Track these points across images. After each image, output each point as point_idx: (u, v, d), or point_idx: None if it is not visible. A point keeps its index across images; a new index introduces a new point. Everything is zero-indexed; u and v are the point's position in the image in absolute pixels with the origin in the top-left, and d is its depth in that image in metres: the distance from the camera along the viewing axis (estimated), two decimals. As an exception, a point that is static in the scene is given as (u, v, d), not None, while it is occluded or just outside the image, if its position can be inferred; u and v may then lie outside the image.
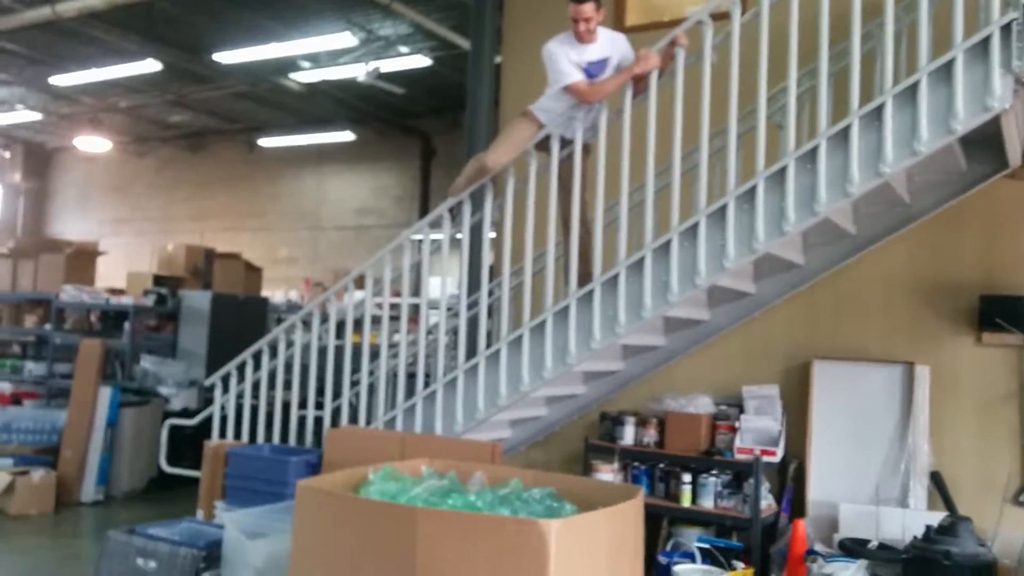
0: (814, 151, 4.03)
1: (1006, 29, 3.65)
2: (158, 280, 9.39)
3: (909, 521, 4.67)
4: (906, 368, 5.13)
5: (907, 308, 5.27)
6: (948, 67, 3.76)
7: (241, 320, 8.71)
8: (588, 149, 4.86)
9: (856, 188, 3.94)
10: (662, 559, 4.84)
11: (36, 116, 16.00)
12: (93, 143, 16.16)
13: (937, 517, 4.50)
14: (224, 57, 11.78)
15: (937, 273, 5.20)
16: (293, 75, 12.71)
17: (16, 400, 8.68)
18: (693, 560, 4.73)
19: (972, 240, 5.13)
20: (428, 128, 15.00)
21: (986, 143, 4.40)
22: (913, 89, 3.83)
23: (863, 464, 5.11)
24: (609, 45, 4.67)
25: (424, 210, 14.17)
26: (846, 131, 3.96)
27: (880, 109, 3.89)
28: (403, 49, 11.54)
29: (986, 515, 4.64)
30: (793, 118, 4.17)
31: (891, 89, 3.88)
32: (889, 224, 5.09)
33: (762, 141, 4.18)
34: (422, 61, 11.68)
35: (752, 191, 4.16)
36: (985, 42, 3.70)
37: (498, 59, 6.90)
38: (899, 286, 5.30)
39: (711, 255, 4.26)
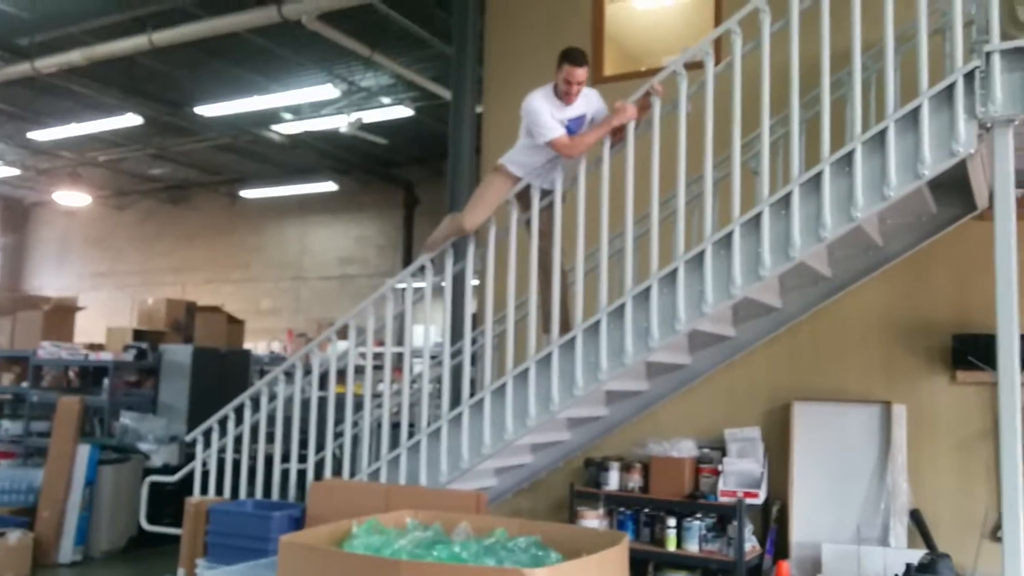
0: (788, 197, 4.12)
1: (969, 77, 3.78)
2: (138, 335, 9.33)
3: (890, 560, 4.70)
4: (884, 408, 5.19)
5: (883, 348, 5.34)
6: (915, 114, 3.88)
7: (223, 373, 8.65)
8: (565, 197, 4.93)
9: (829, 232, 4.02)
10: (650, 606, 4.81)
11: (14, 172, 15.99)
12: (72, 198, 16.13)
13: (917, 555, 4.52)
14: (206, 110, 11.87)
15: (911, 313, 5.29)
16: (275, 127, 12.82)
17: (-8, 459, 8.54)
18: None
19: (944, 280, 5.23)
20: (411, 177, 15.12)
21: (954, 186, 4.52)
22: (882, 135, 3.94)
23: (844, 503, 5.13)
24: (584, 102, 4.78)
25: (407, 259, 14.22)
26: (818, 177, 4.06)
27: (851, 155, 3.99)
28: (385, 100, 11.69)
29: (965, 551, 4.69)
30: (767, 164, 4.26)
31: (860, 136, 3.99)
32: (863, 266, 5.18)
33: (737, 188, 4.27)
34: (404, 111, 11.82)
35: (729, 237, 4.23)
36: (950, 89, 3.82)
37: (479, 108, 7.02)
38: (875, 327, 5.38)
39: (690, 300, 4.31)
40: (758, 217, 4.17)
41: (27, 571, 6.51)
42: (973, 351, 4.94)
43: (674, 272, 4.35)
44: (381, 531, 3.40)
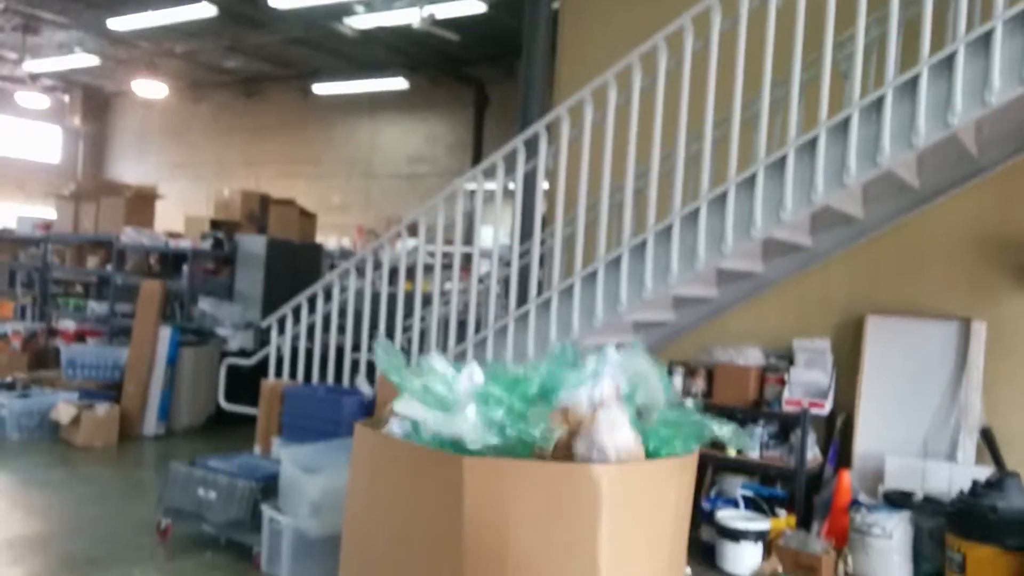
0: (880, 101, 3.93)
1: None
2: (214, 224, 9.57)
3: (956, 475, 4.66)
4: (962, 324, 5.05)
5: (967, 264, 5.15)
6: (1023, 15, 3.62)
7: (296, 265, 8.86)
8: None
9: (922, 140, 3.84)
10: (706, 505, 4.89)
11: (94, 60, 16.24)
12: (150, 88, 16.37)
13: (985, 472, 4.47)
14: (279, 2, 11.78)
15: (1000, 228, 5.07)
16: (347, 20, 12.66)
17: (80, 337, 9.01)
18: (736, 507, 4.78)
19: (1041, 195, 4.97)
20: (482, 76, 14.87)
21: (1061, 95, 4.24)
22: (987, 37, 3.70)
23: (912, 419, 5.07)
24: None
25: (477, 159, 14.13)
26: (915, 80, 3.85)
27: (951, 58, 3.77)
28: (458, -6, 11.41)
29: (1036, 472, 4.58)
30: (860, 66, 4.05)
31: (964, 36, 3.75)
32: (954, 178, 4.96)
33: (826, 90, 4.09)
34: (477, 7, 11.53)
35: (813, 142, 4.08)
36: (1066, -12, 3.54)
37: (555, 5, 6.79)
38: (960, 240, 5.18)
39: (768, 206, 4.20)
40: (846, 122, 4.00)
41: (114, 441, 6.95)
42: (1064, 271, 4.74)
43: (753, 177, 4.23)
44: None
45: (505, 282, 5.40)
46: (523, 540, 2.91)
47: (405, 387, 3.05)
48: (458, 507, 2.94)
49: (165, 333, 7.48)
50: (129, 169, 19.53)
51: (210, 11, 12.33)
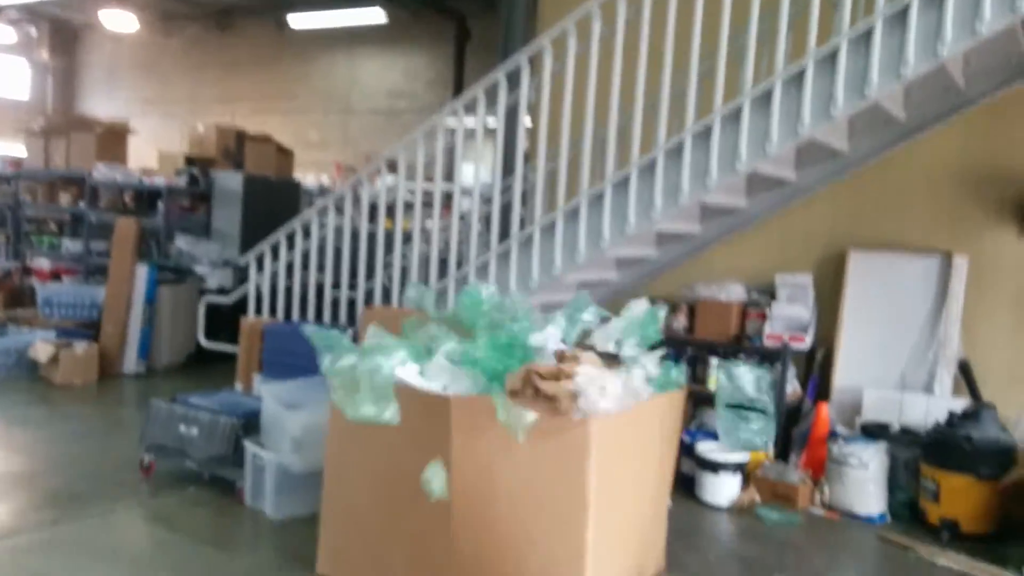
0: (869, 32, 3.86)
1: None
2: (189, 161, 9.37)
3: (933, 407, 4.73)
4: (943, 258, 5.07)
5: (951, 198, 5.16)
6: (1018, -60, 3.54)
7: (274, 202, 8.72)
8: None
9: (911, 71, 3.79)
10: (686, 438, 4.94)
11: (61, -9, 15.70)
12: (119, 19, 15.85)
13: (961, 404, 4.54)
14: (251, -71, 11.36)
15: (985, 162, 5.06)
16: (322, -53, 12.26)
17: (56, 276, 8.88)
18: (716, 439, 4.84)
19: (1024, 129, 4.96)
20: (463, 10, 14.51)
21: (1051, 25, 4.18)
22: (979, -35, 3.62)
23: (892, 352, 5.13)
24: None
25: (458, 95, 13.86)
26: (904, 10, 3.78)
27: (942, -14, 3.69)
28: (437, -77, 11.05)
29: (1012, 405, 4.68)
30: (848, -6, 3.97)
31: (955, -36, 3.67)
32: (940, 110, 4.92)
33: (815, 20, 4.01)
34: (456, -64, 11.19)
35: (801, 74, 4.01)
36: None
37: (538, -66, 6.58)
38: (945, 175, 5.17)
39: (754, 139, 4.16)
40: (835, 53, 3.93)
41: (94, 379, 6.90)
42: (1046, 206, 4.75)
43: (739, 110, 4.17)
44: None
45: (487, 219, 5.34)
46: (510, 475, 2.93)
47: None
48: (445, 445, 2.95)
49: (142, 271, 7.37)
50: (100, 105, 19.03)
51: (180, -62, 11.88)
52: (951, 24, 3.68)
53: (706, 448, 4.69)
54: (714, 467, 4.54)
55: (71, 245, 9.12)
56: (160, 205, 8.59)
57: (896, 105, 4.55)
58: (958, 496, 4.15)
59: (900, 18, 3.80)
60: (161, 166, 9.55)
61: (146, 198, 9.11)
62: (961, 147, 5.09)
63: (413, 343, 3.26)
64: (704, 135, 4.27)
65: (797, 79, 4.04)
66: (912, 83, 3.99)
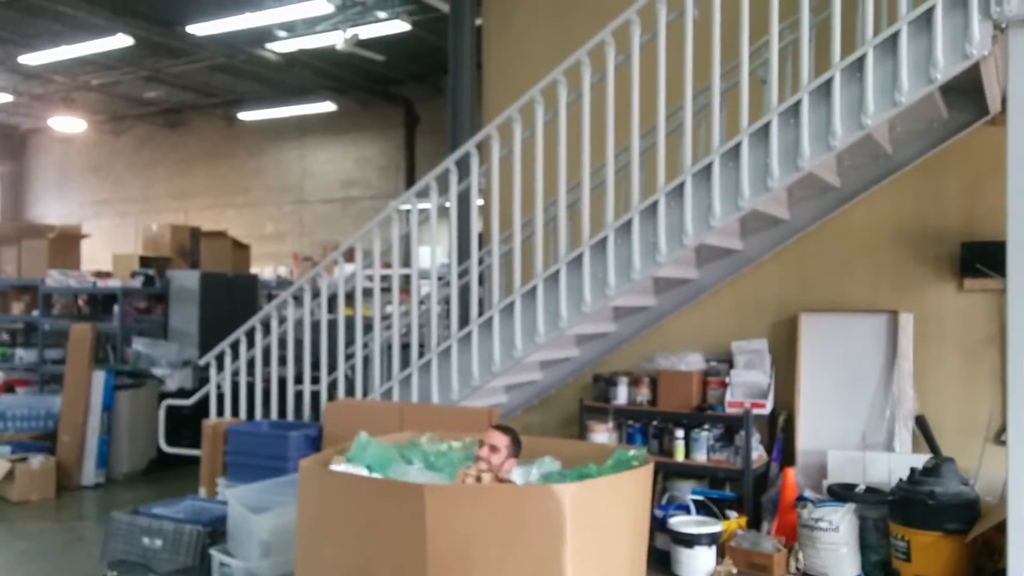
0: (797, 106, 4.05)
1: (984, -24, 3.66)
2: (144, 261, 9.32)
3: (895, 464, 4.79)
4: (890, 316, 5.22)
5: (891, 258, 5.34)
6: (928, 15, 3.78)
7: (232, 298, 8.69)
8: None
9: (839, 141, 3.97)
10: (658, 512, 4.93)
11: (7, 97, 15.72)
12: (68, 123, 15.91)
13: (922, 459, 4.61)
14: (198, 28, 11.56)
15: (919, 222, 5.26)
16: (270, 45, 12.50)
17: (9, 388, 8.67)
18: (688, 512, 4.84)
19: (953, 188, 5.18)
20: (410, 95, 14.84)
21: (966, 91, 4.43)
22: (894, 39, 3.85)
23: (850, 412, 5.21)
24: None
25: (410, 179, 14.08)
26: (828, 84, 3.98)
27: (861, 60, 3.91)
28: (381, 14, 11.35)
29: (969, 455, 4.76)
30: (776, 72, 4.18)
31: (872, 40, 3.89)
32: (872, 175, 5.13)
33: (746, 98, 4.19)
34: (401, 26, 11.51)
35: (736, 148, 4.18)
36: (963, -11, 3.71)
37: (479, 21, 6.83)
38: (883, 237, 5.36)
39: (698, 214, 4.29)
40: (767, 127, 4.11)
41: (52, 494, 6.70)
42: (981, 259, 4.93)
43: (681, 186, 4.31)
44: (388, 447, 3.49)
45: (446, 302, 5.39)
46: (489, 561, 2.90)
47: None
48: (420, 535, 2.91)
49: (99, 377, 7.25)
50: (51, 209, 18.92)
51: (126, 41, 12.05)
52: (872, 95, 3.88)
53: (679, 522, 4.67)
54: (689, 541, 4.52)
55: (24, 354, 8.95)
56: (116, 308, 8.50)
57: (830, 173, 4.75)
58: (928, 553, 4.19)
59: (825, 91, 4.00)
60: (116, 268, 9.48)
61: (101, 301, 9.02)
62: (894, 209, 5.30)
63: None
64: (650, 211, 4.40)
65: (734, 153, 4.20)
66: (842, 152, 4.18)
